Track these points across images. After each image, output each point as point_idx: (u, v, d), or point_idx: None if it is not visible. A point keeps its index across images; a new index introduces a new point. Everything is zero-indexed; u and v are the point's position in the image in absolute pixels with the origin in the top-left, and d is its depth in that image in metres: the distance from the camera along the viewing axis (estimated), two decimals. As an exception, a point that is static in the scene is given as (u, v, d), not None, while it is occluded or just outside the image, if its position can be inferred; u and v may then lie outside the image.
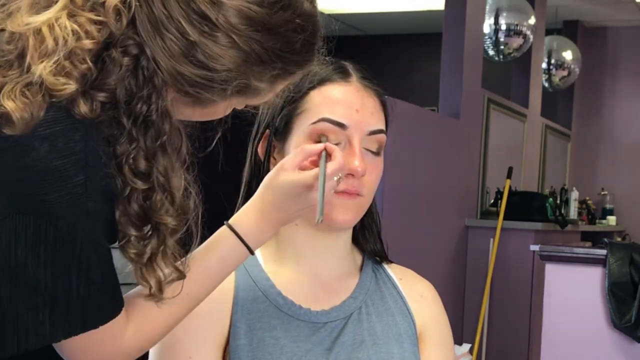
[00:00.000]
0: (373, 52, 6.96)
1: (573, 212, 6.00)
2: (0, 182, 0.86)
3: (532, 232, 4.54)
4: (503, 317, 4.56)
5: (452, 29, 4.53)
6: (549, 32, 6.35)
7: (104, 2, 0.90)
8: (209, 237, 1.07)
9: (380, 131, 1.19)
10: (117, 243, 0.96)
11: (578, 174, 7.08)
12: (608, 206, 6.89)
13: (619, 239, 6.22)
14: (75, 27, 0.88)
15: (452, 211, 4.50)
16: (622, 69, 7.11)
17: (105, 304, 0.93)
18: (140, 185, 0.92)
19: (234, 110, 1.03)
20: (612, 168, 7.03)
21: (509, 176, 4.59)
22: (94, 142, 0.89)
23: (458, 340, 3.16)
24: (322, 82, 1.19)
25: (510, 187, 4.59)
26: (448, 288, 4.40)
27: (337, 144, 1.15)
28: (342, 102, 1.17)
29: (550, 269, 2.99)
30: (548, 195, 5.35)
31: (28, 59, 0.87)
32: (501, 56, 5.27)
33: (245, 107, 1.04)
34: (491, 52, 5.24)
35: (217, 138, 1.05)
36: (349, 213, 1.17)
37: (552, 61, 6.39)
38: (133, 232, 0.93)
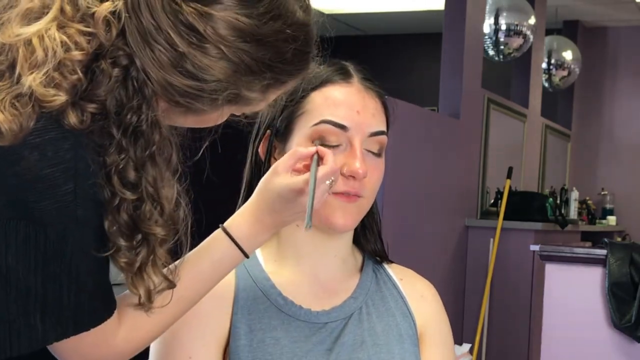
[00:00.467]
0: (373, 52, 6.96)
1: (573, 212, 6.00)
2: None
3: (532, 232, 4.54)
4: (503, 317, 4.56)
5: (452, 29, 4.53)
6: (549, 32, 6.35)
7: (93, 13, 0.90)
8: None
9: (381, 132, 1.19)
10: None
11: (578, 174, 7.07)
12: (608, 206, 6.89)
13: (619, 239, 6.22)
14: (65, 38, 0.88)
15: (452, 211, 4.50)
16: (622, 69, 7.11)
17: (96, 308, 0.93)
18: (129, 195, 0.92)
19: (228, 117, 1.03)
20: (612, 168, 7.03)
21: (509, 176, 4.59)
22: (83, 151, 0.89)
23: (458, 340, 3.16)
24: (323, 83, 1.19)
25: (510, 187, 4.59)
26: (448, 288, 4.40)
27: (338, 146, 1.15)
28: (343, 104, 1.17)
29: (550, 269, 2.99)
30: (548, 195, 5.35)
31: (18, 69, 0.87)
32: (501, 56, 5.27)
33: (242, 114, 1.04)
34: (491, 52, 5.24)
35: (203, 147, 1.05)
36: (349, 216, 1.17)
37: (552, 61, 6.39)
38: (122, 242, 0.93)
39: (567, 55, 6.42)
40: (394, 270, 1.31)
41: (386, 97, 1.24)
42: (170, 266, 1.00)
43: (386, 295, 1.26)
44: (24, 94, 0.86)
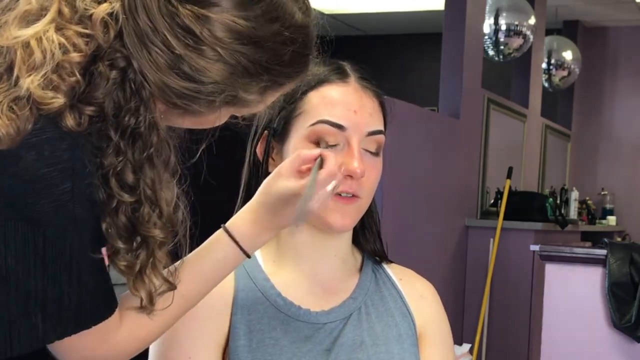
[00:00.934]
0: (373, 52, 6.96)
1: (573, 212, 6.00)
2: None
3: (532, 232, 4.54)
4: (503, 317, 4.56)
5: (452, 29, 4.53)
6: (549, 32, 6.35)
7: (91, 15, 0.90)
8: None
9: (379, 132, 1.19)
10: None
11: (578, 174, 7.07)
12: (608, 206, 6.89)
13: (619, 239, 6.22)
14: (63, 40, 0.88)
15: (452, 211, 4.50)
16: (622, 69, 7.11)
17: (97, 307, 0.93)
18: (127, 198, 0.92)
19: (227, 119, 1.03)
20: (612, 168, 7.03)
21: (509, 176, 4.59)
22: (81, 152, 0.89)
23: (458, 340, 3.16)
24: (320, 83, 1.18)
25: (510, 187, 4.59)
26: (448, 288, 4.40)
27: (335, 145, 1.15)
28: (340, 103, 1.17)
29: (550, 269, 2.99)
30: (548, 195, 5.35)
31: (16, 72, 0.87)
32: (501, 56, 5.27)
33: (240, 116, 1.04)
34: (491, 52, 5.24)
35: (201, 149, 1.05)
36: (347, 217, 1.17)
37: (552, 61, 6.39)
38: (121, 244, 0.93)
39: (567, 55, 6.42)
40: (393, 270, 1.31)
41: (384, 96, 1.24)
42: (170, 268, 1.00)
43: (385, 295, 1.26)
44: (22, 96, 0.86)
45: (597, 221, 6.63)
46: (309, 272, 1.22)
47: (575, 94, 7.06)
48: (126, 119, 0.91)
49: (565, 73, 6.44)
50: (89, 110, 0.89)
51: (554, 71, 6.41)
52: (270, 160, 1.21)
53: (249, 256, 1.07)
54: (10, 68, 0.88)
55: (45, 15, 0.89)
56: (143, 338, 1.02)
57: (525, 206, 4.69)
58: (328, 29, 1.08)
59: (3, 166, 0.86)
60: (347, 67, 1.22)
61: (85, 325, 0.92)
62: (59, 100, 0.87)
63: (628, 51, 7.09)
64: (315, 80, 1.19)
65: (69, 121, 0.88)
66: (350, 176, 1.14)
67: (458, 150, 4.56)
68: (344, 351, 1.16)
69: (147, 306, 0.97)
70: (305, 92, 1.18)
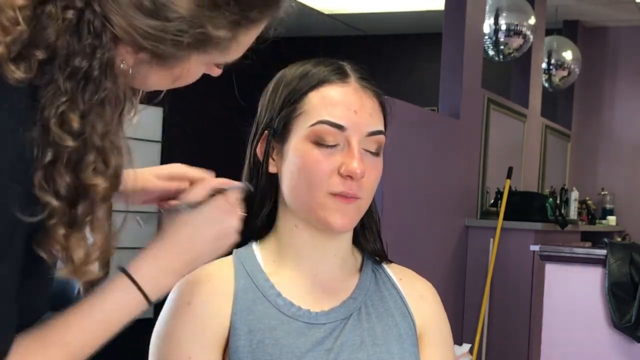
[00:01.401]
0: (373, 52, 6.96)
1: (573, 212, 6.00)
2: None
3: (532, 232, 4.54)
4: (503, 317, 4.56)
5: (452, 29, 4.53)
6: (549, 32, 6.35)
7: None
8: None
9: (379, 132, 1.19)
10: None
11: (578, 174, 7.07)
12: (608, 206, 6.89)
13: (619, 239, 6.22)
14: None
15: (452, 211, 4.50)
16: (622, 69, 7.11)
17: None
18: (69, 141, 0.85)
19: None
20: (612, 168, 7.03)
21: (509, 176, 4.59)
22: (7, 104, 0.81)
23: (458, 340, 3.16)
24: (320, 83, 1.18)
25: (510, 187, 4.59)
26: (448, 288, 4.40)
27: (335, 146, 1.16)
28: (340, 104, 1.17)
29: (550, 269, 2.99)
30: (548, 195, 5.35)
31: None
32: (501, 56, 5.27)
33: (220, 66, 0.98)
34: (491, 52, 5.24)
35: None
36: (347, 217, 1.17)
37: (552, 61, 6.39)
38: (55, 202, 0.85)
39: (567, 55, 6.42)
40: (393, 270, 1.31)
41: (384, 96, 1.24)
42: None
43: (385, 295, 1.26)
44: None
45: (597, 221, 6.63)
46: (309, 272, 1.22)
47: (575, 94, 7.06)
48: (77, 60, 0.85)
49: (565, 73, 6.44)
50: (39, 53, 0.84)
51: (554, 71, 6.41)
52: (270, 160, 1.21)
53: (149, 302, 0.99)
54: None
55: None
56: None
57: (525, 206, 4.69)
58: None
59: None
60: (347, 67, 1.21)
61: None
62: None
63: (628, 51, 7.09)
64: (315, 80, 1.18)
65: (10, 72, 0.81)
66: (350, 176, 1.14)
67: (458, 150, 4.56)
68: (344, 351, 1.16)
69: (79, 270, 0.88)
70: (305, 93, 1.18)
